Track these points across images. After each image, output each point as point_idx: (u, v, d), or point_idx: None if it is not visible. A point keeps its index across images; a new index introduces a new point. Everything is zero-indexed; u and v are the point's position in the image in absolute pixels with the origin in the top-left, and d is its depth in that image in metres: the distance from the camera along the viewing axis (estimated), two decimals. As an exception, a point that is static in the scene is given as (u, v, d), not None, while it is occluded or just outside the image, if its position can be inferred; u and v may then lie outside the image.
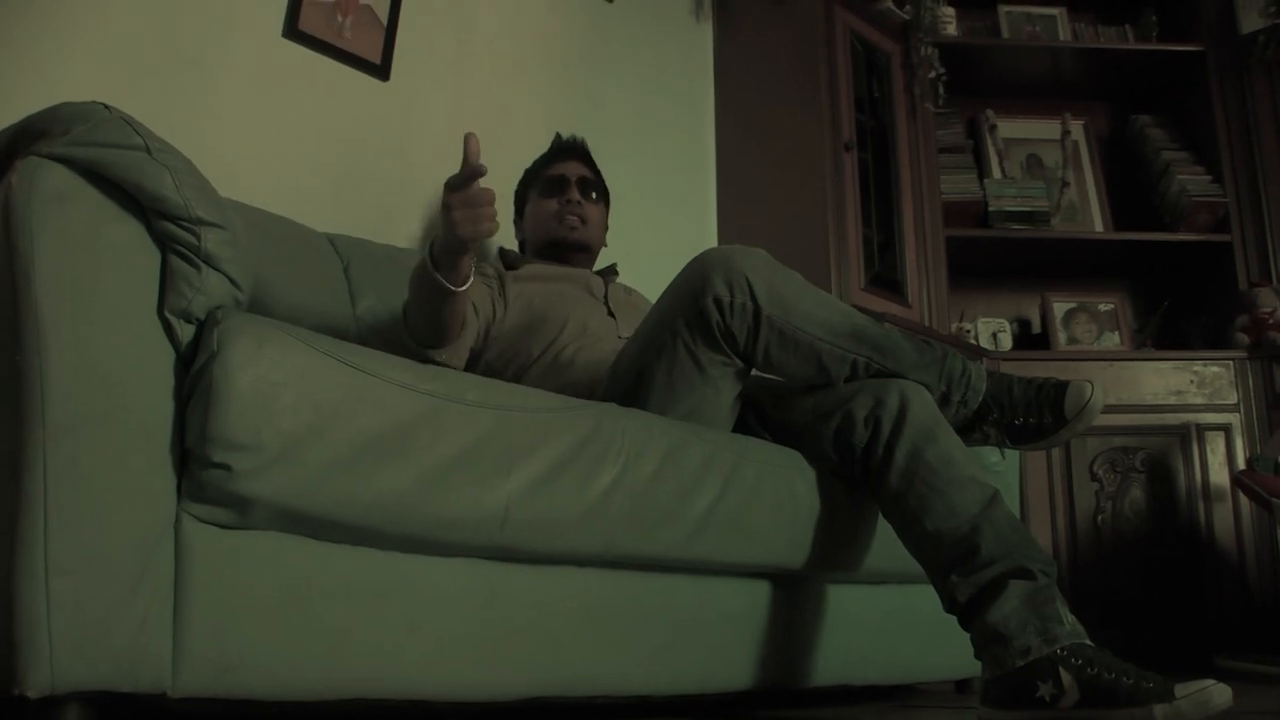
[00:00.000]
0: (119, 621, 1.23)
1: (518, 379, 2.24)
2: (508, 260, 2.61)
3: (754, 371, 2.06)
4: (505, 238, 2.91)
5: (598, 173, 2.78)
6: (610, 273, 2.65)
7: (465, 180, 1.77)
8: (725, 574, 1.91)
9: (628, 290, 2.62)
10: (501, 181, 2.83)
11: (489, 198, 1.79)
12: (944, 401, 2.02)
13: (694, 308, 1.95)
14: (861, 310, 2.10)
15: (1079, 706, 1.62)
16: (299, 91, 2.70)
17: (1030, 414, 2.00)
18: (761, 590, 1.98)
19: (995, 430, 2.04)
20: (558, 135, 2.81)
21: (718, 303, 1.93)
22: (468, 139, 1.75)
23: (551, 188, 2.66)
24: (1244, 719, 1.78)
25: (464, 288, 1.92)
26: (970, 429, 2.05)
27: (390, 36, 2.91)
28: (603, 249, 2.75)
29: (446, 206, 1.81)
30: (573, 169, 2.71)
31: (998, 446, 2.08)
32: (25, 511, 1.19)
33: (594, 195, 2.70)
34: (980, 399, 2.03)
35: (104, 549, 1.23)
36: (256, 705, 1.35)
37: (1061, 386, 1.99)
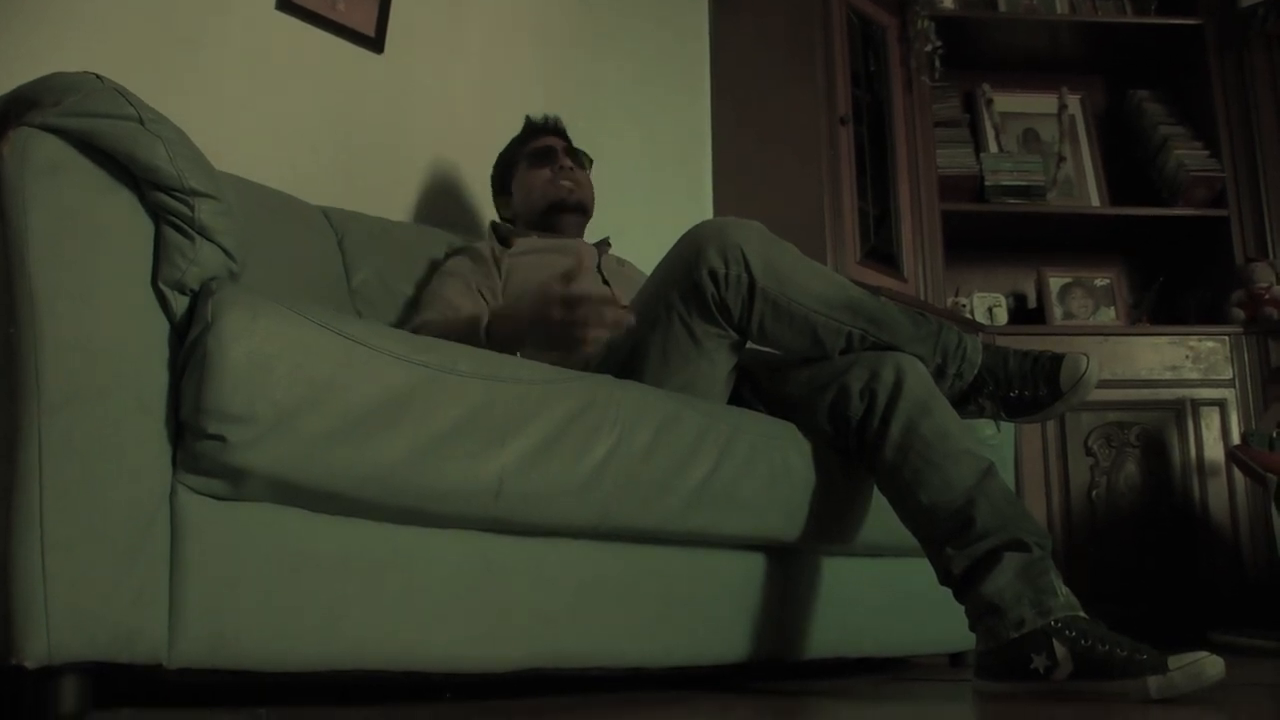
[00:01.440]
0: (115, 593, 1.23)
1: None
2: (500, 234, 2.61)
3: (749, 344, 2.06)
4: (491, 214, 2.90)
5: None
6: (604, 244, 2.65)
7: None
8: (720, 546, 1.92)
9: (620, 261, 2.63)
10: (496, 155, 2.83)
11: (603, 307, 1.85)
12: (939, 374, 2.01)
13: (688, 280, 1.95)
14: (857, 284, 2.09)
15: (1073, 678, 1.63)
16: (293, 64, 2.69)
17: (1025, 387, 1.99)
18: (756, 563, 1.99)
19: (990, 403, 2.03)
20: (529, 117, 2.81)
21: (712, 275, 1.93)
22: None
23: (540, 157, 2.67)
24: (1237, 691, 1.79)
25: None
26: (966, 401, 2.04)
27: (384, 9, 2.89)
28: (596, 228, 2.75)
29: (553, 317, 1.86)
30: (555, 141, 2.73)
31: (993, 419, 2.08)
32: (21, 485, 1.19)
33: (582, 162, 2.72)
34: (975, 371, 2.02)
35: (100, 521, 1.23)
36: (252, 676, 1.35)
37: (1057, 359, 1.99)
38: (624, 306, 1.86)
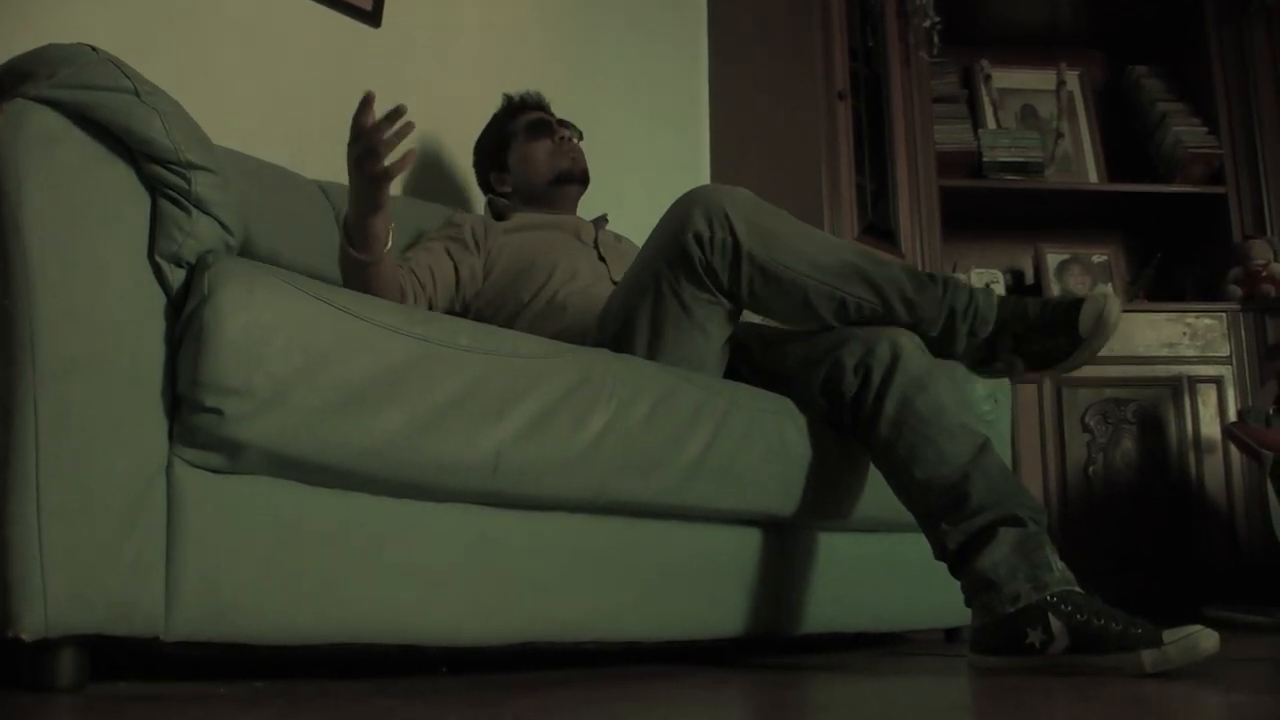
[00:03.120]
0: (112, 565, 1.23)
1: (509, 325, 2.23)
2: (496, 209, 2.60)
3: (743, 314, 2.05)
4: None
5: None
6: (601, 220, 2.64)
7: (359, 126, 1.78)
8: (716, 521, 1.92)
9: (617, 237, 2.62)
10: (494, 129, 2.81)
11: (386, 124, 1.76)
12: (950, 334, 1.98)
13: (675, 247, 1.94)
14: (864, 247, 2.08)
15: (1068, 653, 1.64)
16: (290, 38, 2.67)
17: (1046, 336, 1.94)
18: (752, 537, 1.99)
19: (1012, 358, 1.98)
20: (508, 95, 2.78)
21: (698, 239, 1.92)
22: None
23: (538, 130, 2.65)
24: (1231, 667, 1.80)
25: (377, 259, 1.90)
26: (989, 359, 2.00)
27: (381, -18, 2.88)
28: (592, 201, 2.74)
29: (353, 159, 1.81)
30: (545, 115, 2.71)
31: (1017, 375, 2.04)
32: (16, 456, 1.19)
33: (576, 133, 2.71)
34: (991, 328, 1.97)
35: (96, 493, 1.23)
36: (249, 649, 1.36)
37: (1076, 304, 1.93)
38: (398, 106, 1.78)
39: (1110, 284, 4.18)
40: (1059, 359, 1.94)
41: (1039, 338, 1.95)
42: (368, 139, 1.77)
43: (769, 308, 2.01)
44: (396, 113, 1.74)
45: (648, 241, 2.04)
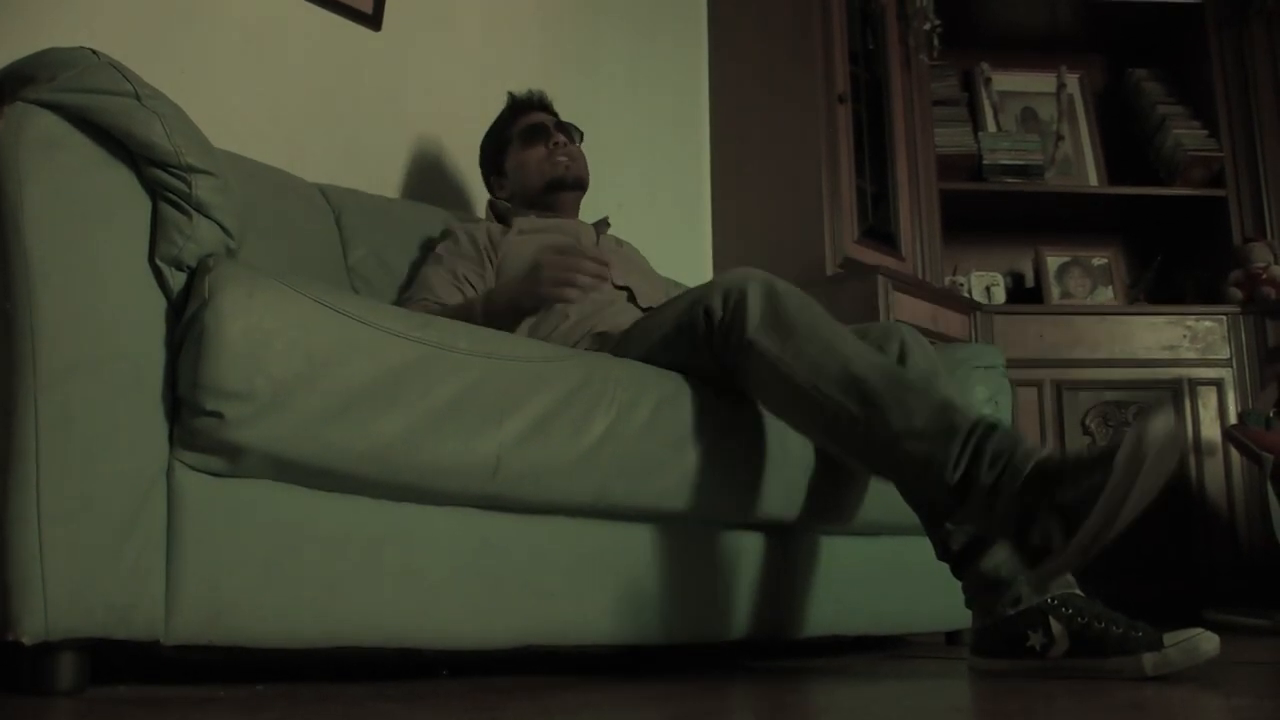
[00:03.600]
0: (112, 569, 1.23)
1: (512, 330, 2.23)
2: (498, 212, 2.60)
3: None
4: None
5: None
6: (602, 224, 2.64)
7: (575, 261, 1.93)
8: (718, 525, 1.92)
9: (619, 242, 2.62)
10: (494, 132, 2.81)
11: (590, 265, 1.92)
12: (967, 480, 1.58)
13: (687, 316, 1.88)
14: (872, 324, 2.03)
15: (1068, 656, 1.63)
16: (291, 41, 2.67)
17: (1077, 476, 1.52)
18: (754, 542, 1.99)
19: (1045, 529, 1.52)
20: (512, 94, 2.77)
21: (708, 313, 1.83)
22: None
23: (533, 135, 2.63)
24: (1232, 670, 1.80)
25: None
26: (1021, 531, 1.54)
27: (382, -15, 2.88)
28: (593, 203, 2.73)
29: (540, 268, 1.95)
30: (544, 117, 2.69)
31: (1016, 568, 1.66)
32: (17, 459, 1.19)
33: (574, 136, 2.68)
34: (1020, 481, 1.54)
35: (96, 497, 1.23)
36: (249, 653, 1.36)
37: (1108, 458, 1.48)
38: (604, 262, 1.93)
39: (1111, 286, 4.18)
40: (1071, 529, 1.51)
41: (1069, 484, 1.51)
42: (570, 269, 1.94)
43: (761, 397, 1.87)
44: (599, 262, 1.96)
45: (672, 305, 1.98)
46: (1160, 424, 1.46)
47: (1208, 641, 1.57)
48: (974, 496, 1.57)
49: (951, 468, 1.58)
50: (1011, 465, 1.55)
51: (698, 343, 1.85)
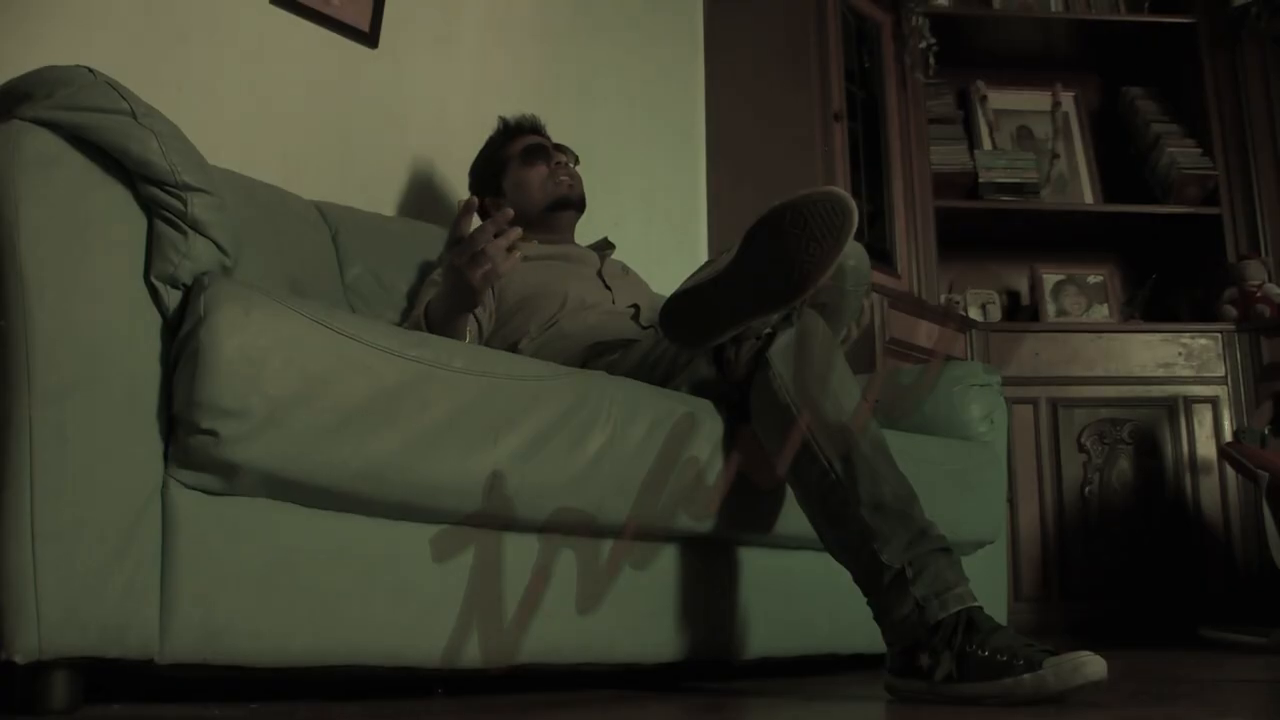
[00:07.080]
0: (106, 587, 1.23)
1: (514, 352, 2.22)
2: (497, 235, 2.59)
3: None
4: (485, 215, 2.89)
5: None
6: (602, 246, 2.64)
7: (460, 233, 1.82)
8: (716, 542, 1.91)
9: (625, 269, 2.61)
10: (490, 150, 2.81)
11: (497, 225, 1.81)
12: (897, 581, 1.64)
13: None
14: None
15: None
16: (287, 59, 2.68)
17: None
18: (755, 558, 1.98)
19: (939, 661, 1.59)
20: (504, 118, 2.77)
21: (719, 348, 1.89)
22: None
23: (533, 155, 2.62)
24: (1226, 688, 1.79)
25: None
26: (912, 652, 1.62)
27: (379, 3, 2.88)
28: (590, 224, 2.74)
29: (455, 267, 1.84)
30: (541, 139, 2.69)
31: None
32: (11, 477, 1.19)
33: (573, 158, 2.69)
34: (951, 612, 1.60)
35: (91, 515, 1.23)
36: (244, 671, 1.35)
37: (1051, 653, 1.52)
38: (505, 211, 1.82)
39: (1106, 304, 4.19)
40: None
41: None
42: (472, 244, 1.81)
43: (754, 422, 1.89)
44: (504, 217, 1.81)
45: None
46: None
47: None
48: (899, 594, 1.64)
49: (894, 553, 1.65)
50: (951, 594, 1.61)
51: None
